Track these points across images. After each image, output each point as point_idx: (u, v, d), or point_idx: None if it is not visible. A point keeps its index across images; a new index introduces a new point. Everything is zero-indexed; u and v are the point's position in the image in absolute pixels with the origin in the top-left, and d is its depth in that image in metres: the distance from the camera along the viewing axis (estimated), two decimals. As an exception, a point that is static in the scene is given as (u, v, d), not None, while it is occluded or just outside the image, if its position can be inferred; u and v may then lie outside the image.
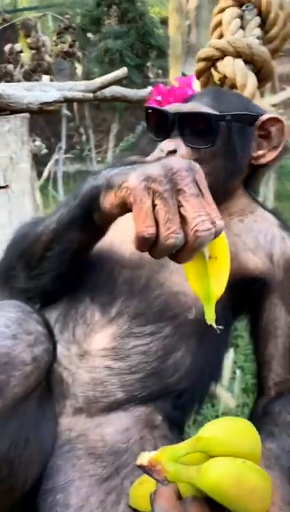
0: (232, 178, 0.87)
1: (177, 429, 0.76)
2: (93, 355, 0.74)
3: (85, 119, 6.75)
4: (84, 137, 6.82)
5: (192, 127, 0.79)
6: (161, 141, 0.82)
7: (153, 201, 0.50)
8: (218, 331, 0.55)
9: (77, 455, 0.66)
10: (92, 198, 0.64)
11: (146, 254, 0.82)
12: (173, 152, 0.78)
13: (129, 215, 0.90)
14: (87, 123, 6.78)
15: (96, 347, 0.75)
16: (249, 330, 0.89)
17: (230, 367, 2.53)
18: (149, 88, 3.54)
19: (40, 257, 0.76)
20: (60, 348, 0.77)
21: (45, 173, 4.37)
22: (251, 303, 0.86)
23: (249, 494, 0.45)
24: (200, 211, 0.50)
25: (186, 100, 0.93)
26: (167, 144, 0.79)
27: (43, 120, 5.47)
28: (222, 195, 0.86)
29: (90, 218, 0.66)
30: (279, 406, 0.76)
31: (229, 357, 2.29)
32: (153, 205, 0.50)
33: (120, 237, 0.84)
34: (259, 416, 0.77)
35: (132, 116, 7.22)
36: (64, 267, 0.76)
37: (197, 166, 0.53)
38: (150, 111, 0.86)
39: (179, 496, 0.49)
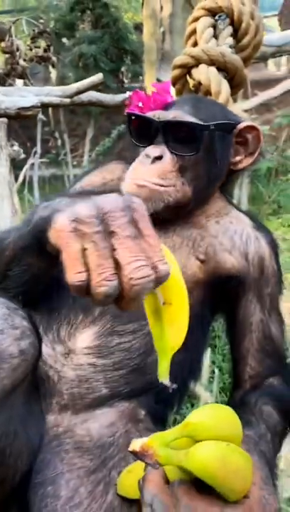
0: (213, 183, 0.91)
1: (160, 423, 0.79)
2: (78, 354, 0.77)
3: (60, 123, 6.74)
4: (59, 142, 6.81)
5: (177, 135, 0.82)
6: (144, 147, 0.85)
7: (83, 245, 0.45)
8: (171, 390, 0.53)
9: (65, 449, 0.68)
10: (40, 230, 0.59)
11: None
12: (159, 158, 0.81)
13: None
14: (62, 127, 6.77)
15: (80, 345, 0.77)
16: (225, 327, 0.93)
17: (208, 367, 2.58)
18: (126, 94, 3.58)
19: (3, 273, 0.75)
20: (45, 348, 0.79)
21: (21, 178, 4.35)
22: (228, 301, 0.90)
23: (234, 474, 0.48)
24: (137, 255, 0.44)
25: (166, 107, 0.95)
26: (153, 150, 0.82)
27: (18, 125, 5.44)
28: (202, 201, 0.89)
29: (43, 247, 0.60)
30: (255, 397, 0.80)
31: (207, 357, 2.33)
32: (85, 249, 0.45)
33: None
34: (236, 406, 0.81)
35: (107, 121, 7.24)
36: (26, 287, 0.74)
37: (137, 202, 0.48)
38: (133, 117, 0.88)
39: (167, 481, 0.52)
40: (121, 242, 0.45)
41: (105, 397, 0.75)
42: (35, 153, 5.09)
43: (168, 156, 0.82)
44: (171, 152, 0.82)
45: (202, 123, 0.83)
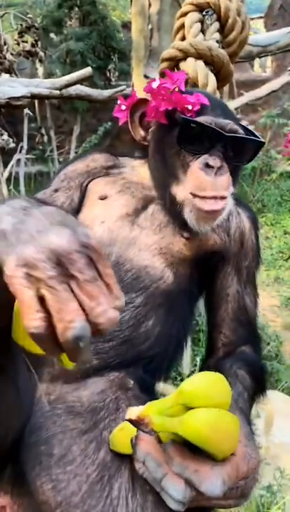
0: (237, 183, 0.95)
1: (147, 392, 0.83)
2: None
3: (47, 119, 6.72)
4: (46, 138, 6.79)
5: (237, 147, 0.85)
6: (195, 154, 0.84)
7: (38, 289, 0.40)
8: None
9: (57, 414, 0.71)
10: None
11: (117, 234, 0.89)
12: (220, 168, 0.82)
13: (97, 203, 0.97)
14: (49, 124, 6.75)
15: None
16: (204, 297, 0.98)
17: (190, 358, 2.63)
18: (112, 90, 3.60)
19: None
20: None
21: (6, 173, 4.34)
22: (210, 276, 0.95)
23: (223, 437, 0.52)
24: (99, 300, 0.41)
25: (201, 110, 0.86)
26: (214, 161, 0.82)
27: (5, 120, 5.42)
28: None
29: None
30: (229, 362, 0.85)
31: (189, 350, 2.37)
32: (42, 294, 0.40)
33: (89, 219, 0.91)
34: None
35: (94, 118, 7.25)
36: None
37: (92, 240, 0.44)
38: (193, 125, 0.84)
39: (159, 440, 0.56)
40: (81, 287, 0.41)
41: (96, 368, 0.78)
42: (22, 148, 5.07)
43: (226, 167, 0.83)
44: (227, 162, 0.84)
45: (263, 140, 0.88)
